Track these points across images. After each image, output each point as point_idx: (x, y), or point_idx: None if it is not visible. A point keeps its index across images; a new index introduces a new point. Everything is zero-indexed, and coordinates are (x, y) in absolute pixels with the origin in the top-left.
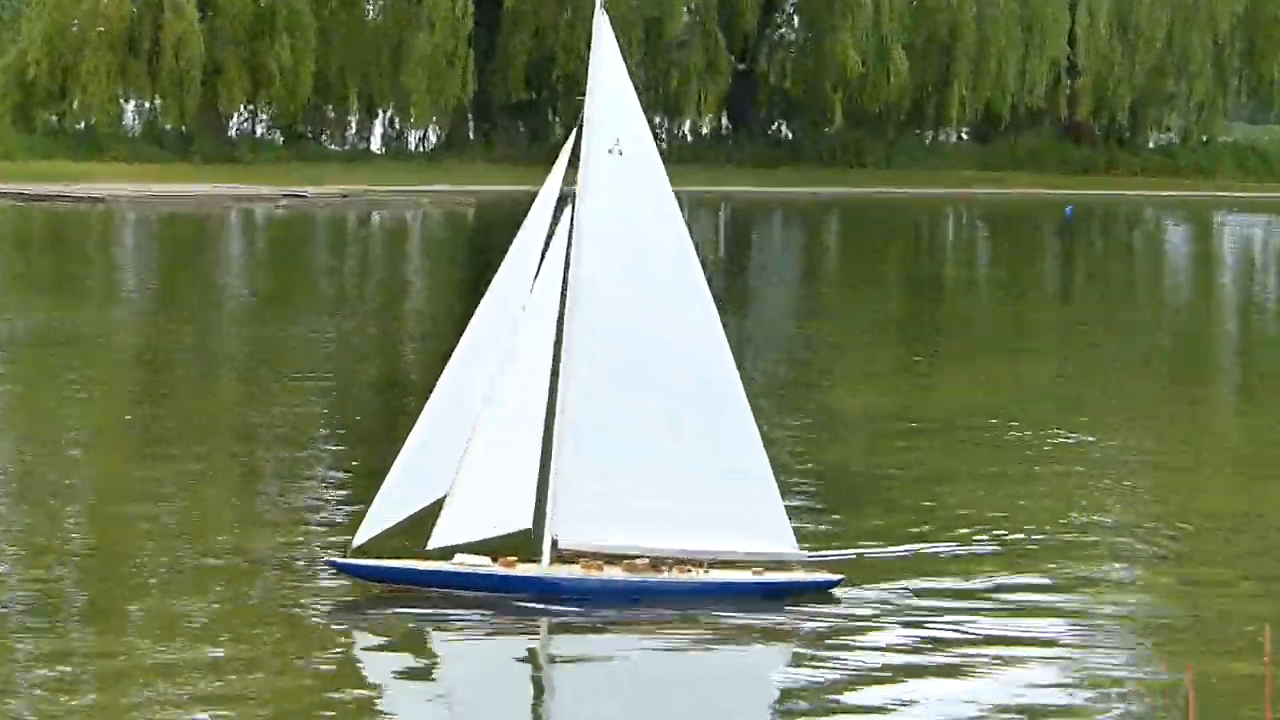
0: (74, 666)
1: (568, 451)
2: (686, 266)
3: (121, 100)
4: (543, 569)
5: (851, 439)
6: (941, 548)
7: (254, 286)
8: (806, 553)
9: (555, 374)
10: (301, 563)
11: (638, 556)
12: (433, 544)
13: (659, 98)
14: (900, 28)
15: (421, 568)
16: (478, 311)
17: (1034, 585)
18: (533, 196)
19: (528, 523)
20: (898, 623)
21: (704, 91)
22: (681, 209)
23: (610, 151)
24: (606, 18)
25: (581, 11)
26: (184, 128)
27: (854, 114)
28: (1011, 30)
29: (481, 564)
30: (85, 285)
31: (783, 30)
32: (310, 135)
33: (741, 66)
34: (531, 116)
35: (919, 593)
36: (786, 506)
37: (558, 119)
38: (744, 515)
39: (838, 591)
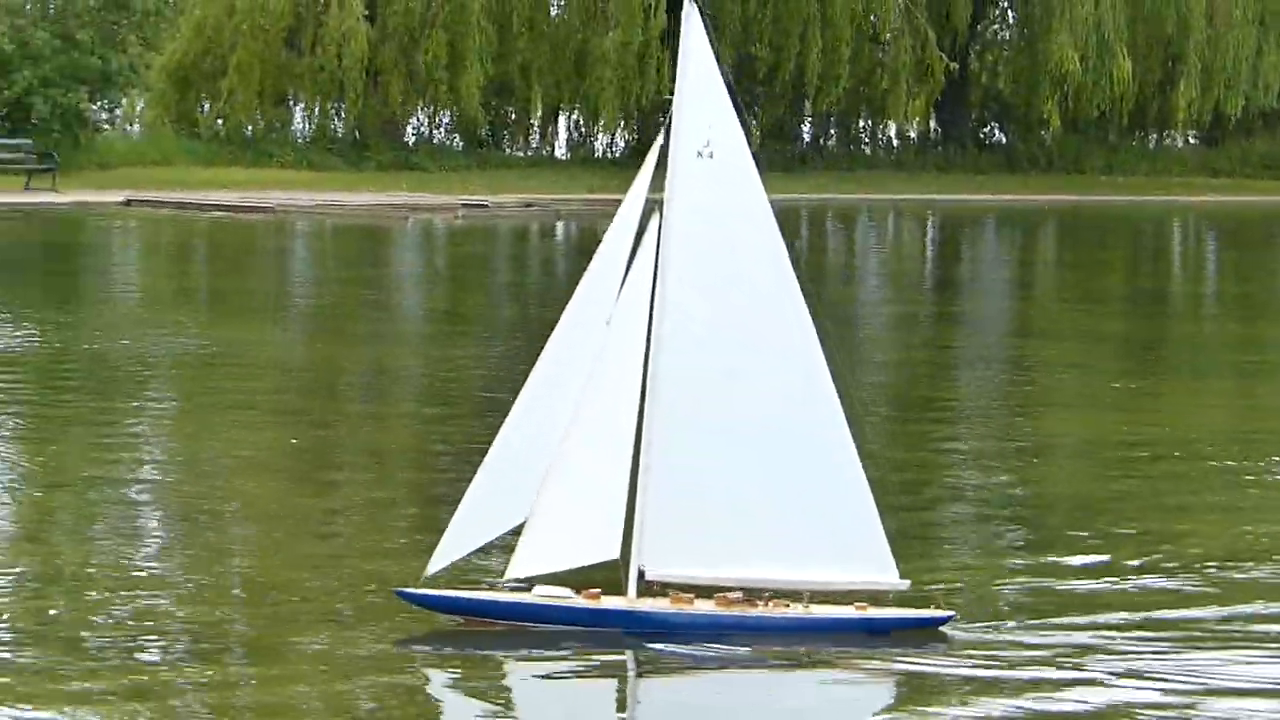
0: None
1: (654, 477)
2: (781, 276)
3: (290, 104)
4: (629, 602)
5: (1066, 465)
6: (1155, 581)
7: (431, 301)
8: (908, 582)
9: (644, 392)
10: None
11: (731, 589)
12: (511, 574)
13: (864, 99)
14: (1122, 24)
15: (498, 599)
16: (559, 325)
17: (1255, 633)
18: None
19: (614, 553)
20: (1020, 664)
21: (913, 93)
22: (887, 218)
23: (700, 154)
24: (697, 11)
25: (780, 7)
26: (357, 133)
27: (1072, 117)
28: (1244, 25)
29: (563, 596)
30: (251, 300)
31: (996, 28)
32: (490, 141)
33: (954, 66)
34: None
35: (1086, 628)
36: (993, 536)
37: (755, 122)
38: (841, 543)
39: (949, 629)
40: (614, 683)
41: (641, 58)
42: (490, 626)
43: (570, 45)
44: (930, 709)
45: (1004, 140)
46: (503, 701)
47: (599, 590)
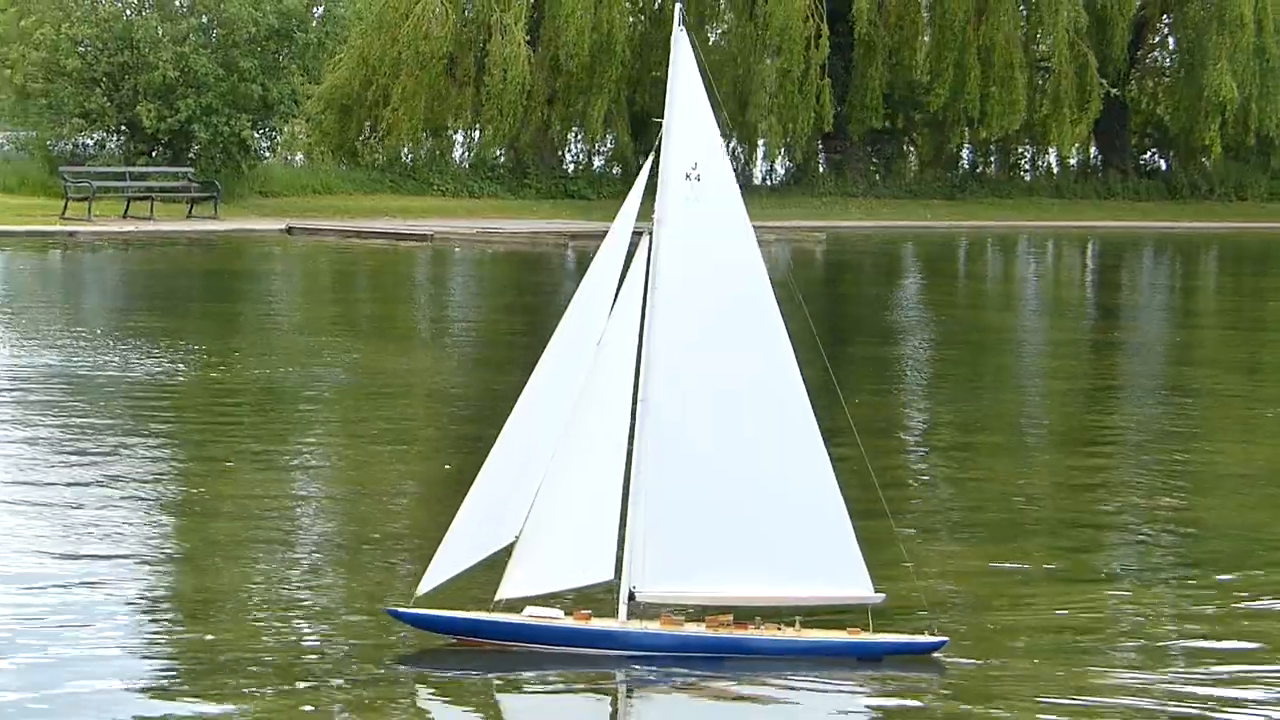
0: None
1: (644, 498)
2: (763, 301)
3: (449, 132)
4: (619, 623)
5: (1225, 494)
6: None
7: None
8: (883, 596)
9: (634, 413)
10: None
11: (721, 610)
12: (502, 594)
13: (1024, 126)
14: None
15: (490, 619)
16: (550, 345)
17: None
18: (883, 232)
19: (608, 574)
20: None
21: (1074, 120)
22: (1046, 245)
23: (688, 177)
24: (686, 35)
25: (940, 34)
26: (515, 161)
27: (1233, 143)
28: None
29: (554, 616)
30: (410, 328)
31: (1156, 54)
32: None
33: (1115, 92)
34: (887, 148)
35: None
36: (1140, 561)
37: (913, 149)
38: (822, 560)
39: (941, 655)
40: (604, 704)
41: (801, 85)
42: (481, 646)
43: (728, 73)
44: None
45: (1164, 167)
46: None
47: (589, 611)
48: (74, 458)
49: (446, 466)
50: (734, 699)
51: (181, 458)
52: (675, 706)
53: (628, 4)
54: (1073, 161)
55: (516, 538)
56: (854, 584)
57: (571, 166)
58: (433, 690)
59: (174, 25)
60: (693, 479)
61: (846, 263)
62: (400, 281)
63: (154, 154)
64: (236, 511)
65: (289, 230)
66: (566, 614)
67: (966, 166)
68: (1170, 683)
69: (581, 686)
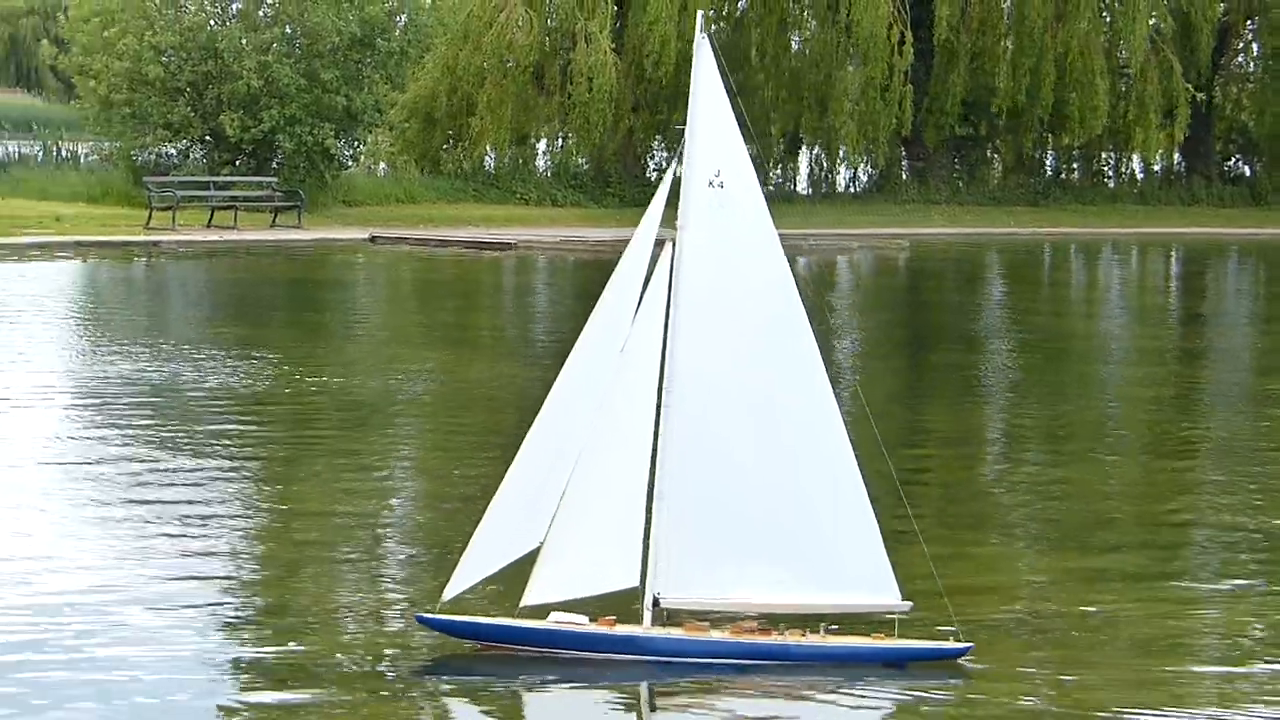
0: None
1: (668, 504)
2: (789, 304)
3: (533, 141)
4: (643, 629)
5: None
6: None
7: None
8: (910, 604)
9: (657, 418)
10: None
11: (746, 617)
12: (527, 600)
13: (1108, 132)
14: None
15: (515, 625)
16: (574, 352)
17: None
18: (966, 239)
19: (632, 580)
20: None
21: (1159, 126)
22: (1130, 251)
23: (711, 184)
24: (707, 41)
25: (1021, 40)
26: (598, 169)
27: None
28: None
29: (578, 622)
30: (492, 336)
31: (1240, 60)
32: None
33: (1201, 98)
34: (970, 154)
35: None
36: (1222, 570)
37: (996, 155)
38: (848, 567)
39: (965, 662)
40: (629, 710)
41: (884, 91)
42: (506, 652)
43: (811, 80)
44: None
45: (1248, 173)
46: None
47: (614, 617)
48: (155, 466)
49: None
50: (758, 705)
51: (263, 466)
52: (699, 712)
53: (712, 11)
54: (1156, 168)
55: (541, 544)
56: (882, 592)
57: (654, 174)
58: (458, 696)
59: (257, 35)
60: (717, 486)
61: (929, 270)
62: (483, 290)
63: (238, 164)
64: (314, 520)
65: (372, 239)
66: (591, 620)
67: (1050, 173)
68: (1250, 693)
69: (606, 692)
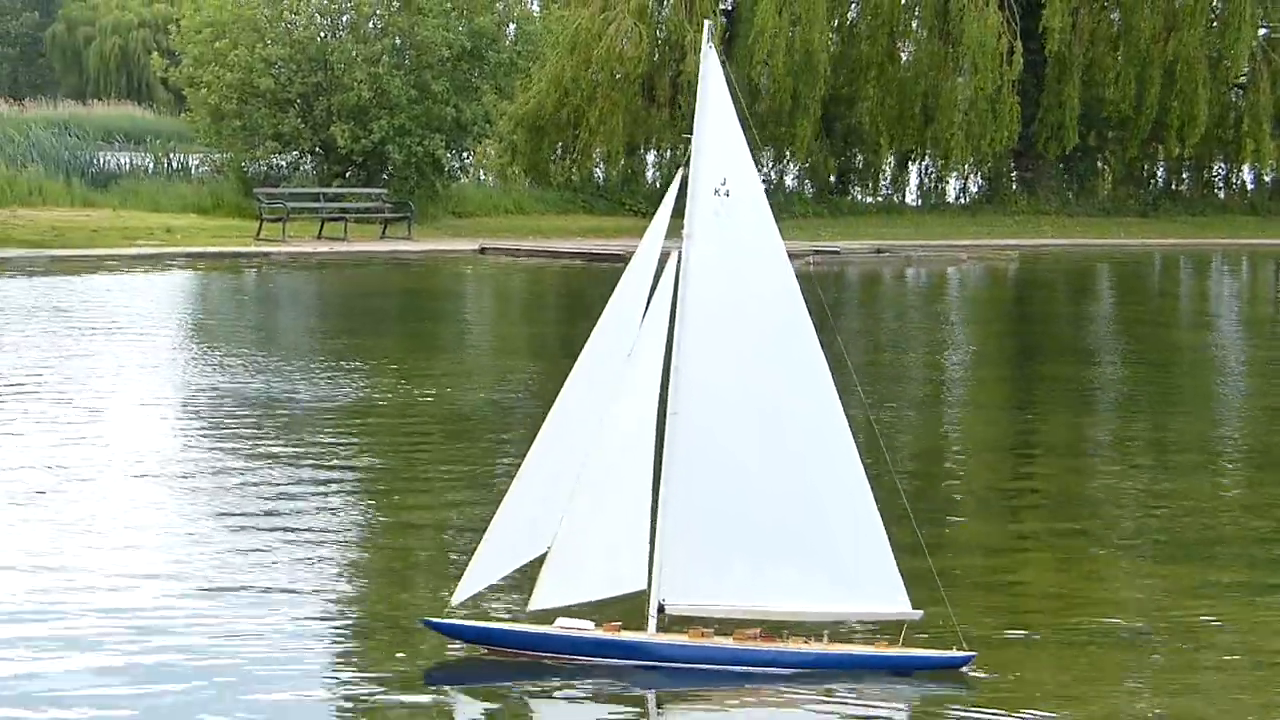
0: None
1: (673, 510)
2: (794, 311)
3: (642, 152)
4: (648, 635)
5: None
6: None
7: None
8: (921, 613)
9: (663, 424)
10: None
11: (750, 623)
12: (534, 605)
13: (1218, 142)
14: None
15: (522, 630)
16: (581, 357)
17: None
18: (1075, 250)
19: (639, 585)
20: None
21: (1270, 136)
22: (1240, 262)
23: (716, 192)
24: (714, 52)
25: (1130, 49)
26: None
27: None
28: None
29: (584, 628)
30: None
31: None
32: (840, 188)
33: None
34: (1080, 165)
35: None
36: None
37: (1106, 166)
38: (856, 575)
39: (969, 670)
40: (634, 716)
41: (994, 103)
42: (513, 656)
43: (920, 91)
44: None
45: None
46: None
47: (620, 623)
48: (263, 477)
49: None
50: (761, 712)
51: (371, 476)
52: (704, 719)
53: (826, 21)
54: (1268, 178)
55: (548, 549)
56: (892, 601)
57: (766, 185)
58: (464, 700)
59: (367, 47)
60: (724, 493)
61: (1039, 280)
62: (593, 302)
63: (348, 175)
64: (420, 531)
65: (482, 250)
66: (596, 625)
67: (1160, 184)
68: None
69: (611, 698)
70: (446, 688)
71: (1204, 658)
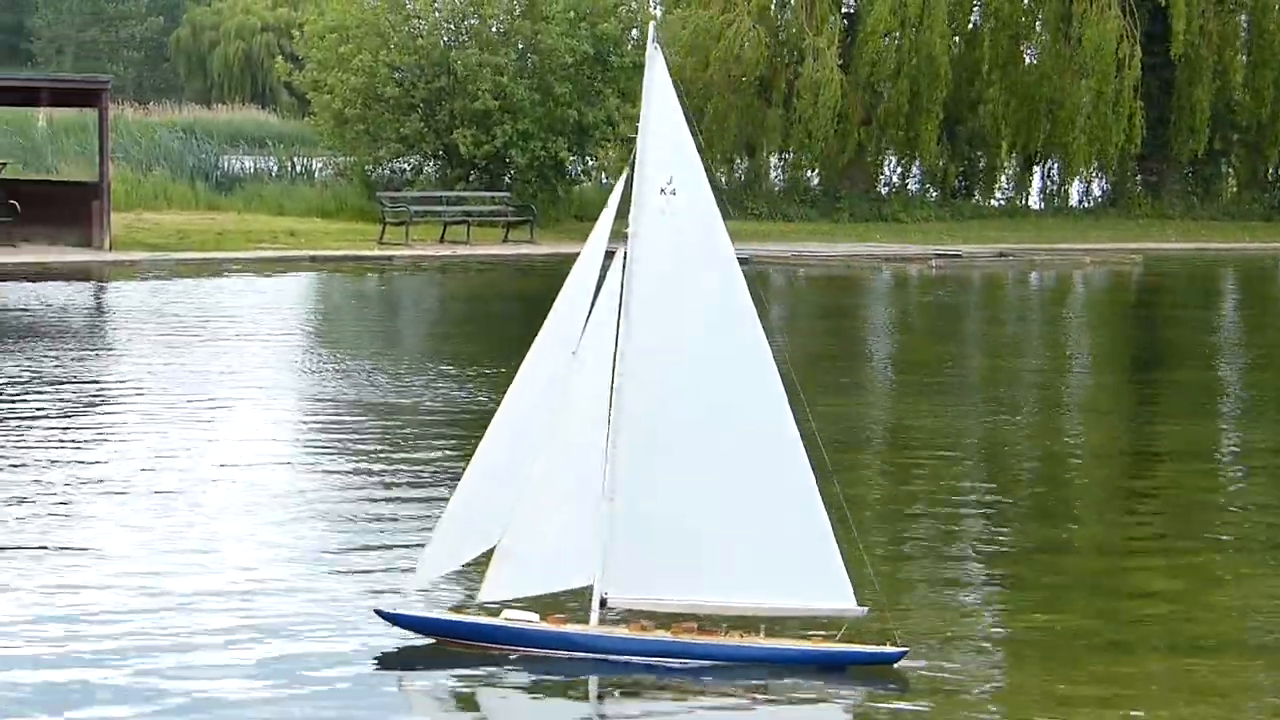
0: None
1: (617, 506)
2: (739, 309)
3: (763, 153)
4: (590, 628)
5: None
6: None
7: (902, 351)
8: (866, 609)
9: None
10: None
11: (689, 618)
12: (483, 597)
13: None
14: None
15: (467, 621)
16: (529, 354)
17: None
18: (1199, 254)
19: (584, 579)
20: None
21: None
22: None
23: (663, 191)
24: (660, 53)
25: (1258, 55)
26: (826, 184)
27: None
28: None
29: (529, 620)
30: None
31: None
32: (963, 191)
33: None
34: (1206, 169)
35: None
36: None
37: (1232, 173)
38: (799, 571)
39: (902, 666)
40: (576, 705)
41: (1114, 106)
42: (461, 647)
43: (1042, 94)
44: None
45: None
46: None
47: (564, 616)
48: (380, 478)
49: None
50: (698, 705)
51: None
52: (643, 710)
53: (946, 24)
54: None
55: (497, 542)
56: (836, 597)
57: (885, 189)
58: (413, 689)
59: (491, 54)
60: (666, 488)
61: (1163, 285)
62: None
63: (471, 179)
64: None
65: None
66: (541, 618)
67: None
68: None
69: (551, 688)
70: (393, 679)
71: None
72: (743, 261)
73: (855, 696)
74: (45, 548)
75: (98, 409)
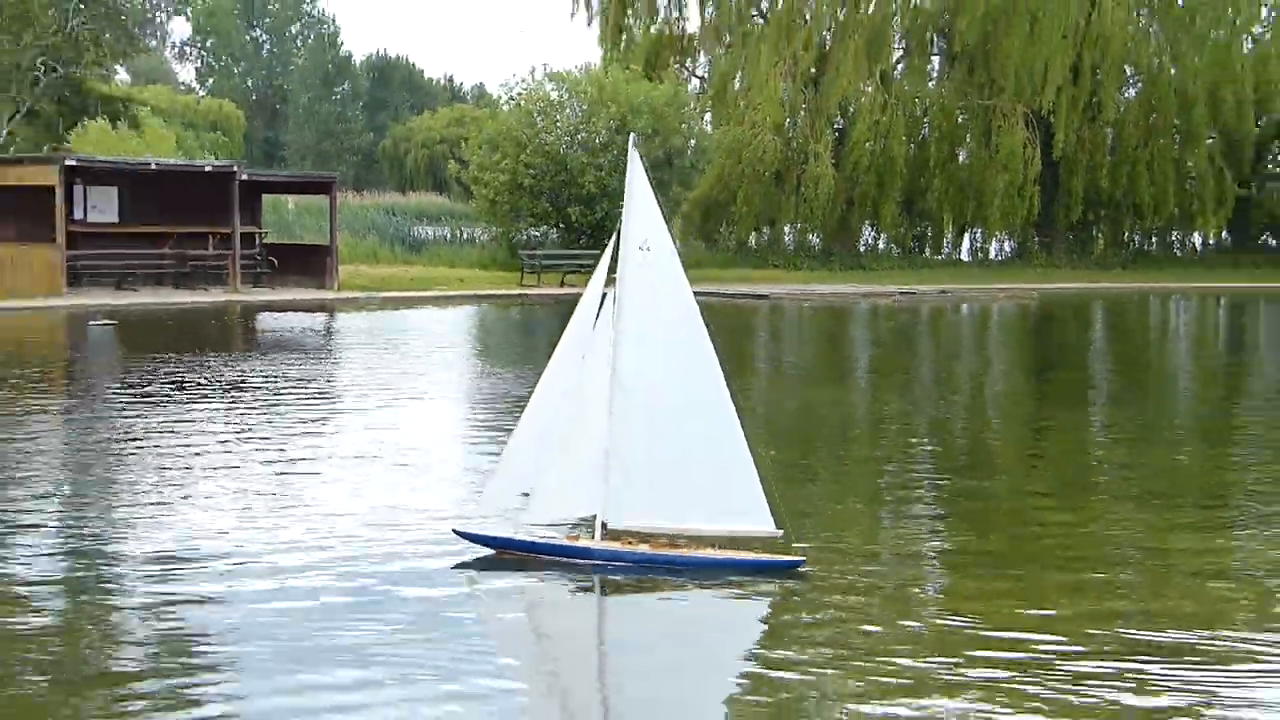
0: None
1: (613, 459)
2: (694, 330)
3: (778, 224)
4: (594, 543)
5: None
6: None
7: (874, 360)
8: (781, 531)
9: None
10: None
11: (662, 537)
12: (526, 520)
13: (1174, 217)
14: None
15: (514, 537)
16: (554, 355)
17: None
18: (1079, 292)
19: (594, 509)
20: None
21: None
22: (1192, 299)
23: (640, 248)
24: (637, 152)
25: (1121, 155)
26: (823, 245)
27: None
28: None
29: (556, 536)
30: (756, 358)
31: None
32: (916, 249)
33: (1241, 193)
34: (1081, 233)
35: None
36: None
37: (1100, 235)
38: (734, 503)
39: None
40: (588, 593)
41: (1019, 190)
42: (510, 555)
43: (971, 183)
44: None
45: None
46: (515, 600)
47: (578, 533)
48: None
49: (772, 453)
50: (660, 592)
51: None
52: (631, 598)
53: (904, 136)
54: (1212, 242)
55: (536, 483)
56: (761, 522)
57: (864, 248)
58: (474, 581)
59: (594, 157)
60: (648, 448)
61: (1053, 313)
62: (748, 328)
63: (581, 241)
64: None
65: None
66: (565, 537)
67: (1136, 245)
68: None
69: (572, 581)
70: (459, 575)
71: None
72: (764, 297)
73: (775, 591)
74: (284, 499)
75: (327, 399)
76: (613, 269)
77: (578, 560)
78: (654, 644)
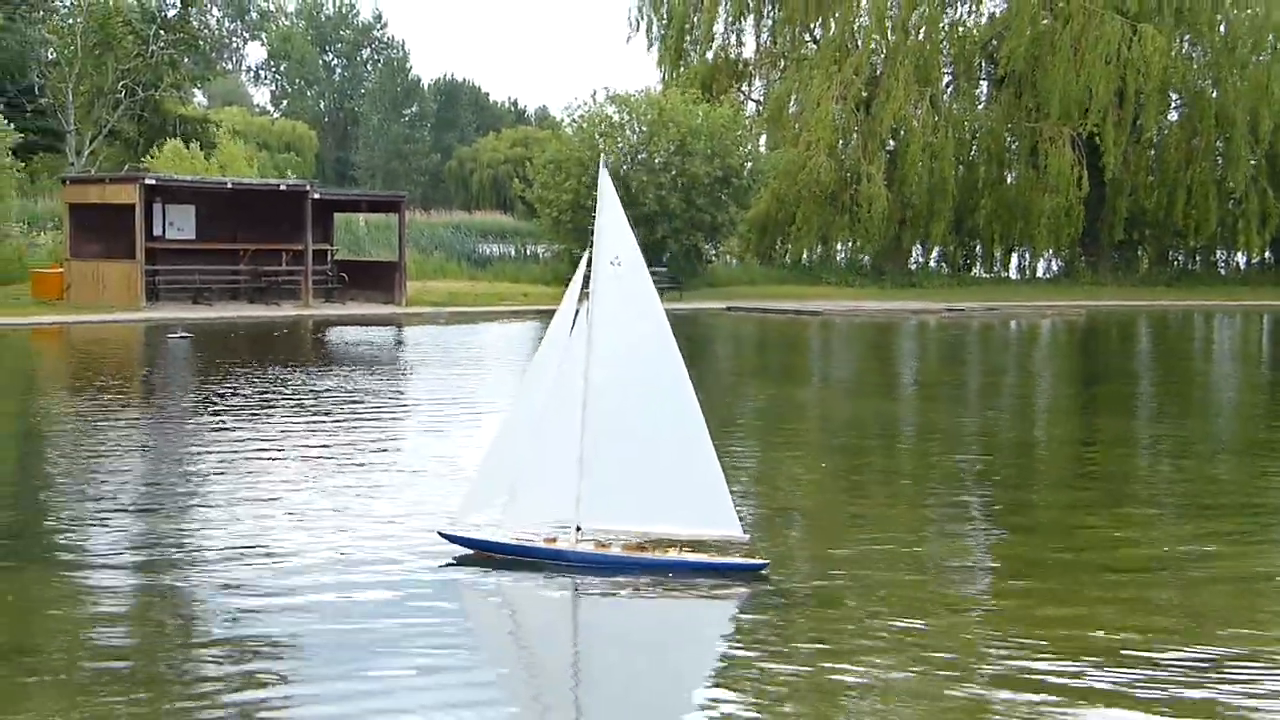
0: None
1: (586, 468)
2: (663, 341)
3: (832, 242)
4: (568, 546)
5: None
6: None
7: (921, 373)
8: (748, 536)
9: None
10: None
11: (630, 541)
12: (503, 524)
13: (1217, 236)
14: None
15: (493, 539)
16: (530, 365)
17: None
18: (1125, 309)
19: (567, 514)
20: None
21: (1257, 230)
22: (1236, 316)
23: (611, 263)
24: (605, 171)
25: (1162, 177)
26: (875, 262)
27: None
28: None
29: (532, 539)
30: (807, 371)
31: None
32: (965, 267)
33: None
34: (1126, 252)
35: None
36: None
37: (1144, 254)
38: (704, 509)
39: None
40: (562, 592)
41: (1066, 212)
42: (490, 557)
43: (1019, 204)
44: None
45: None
46: (493, 598)
47: (554, 537)
48: None
49: (823, 465)
50: (633, 593)
51: None
52: (602, 601)
53: (954, 158)
54: (1255, 260)
55: (514, 489)
56: (729, 528)
57: (915, 265)
58: (458, 583)
59: (654, 178)
60: (620, 456)
61: (1099, 328)
62: (800, 342)
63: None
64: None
65: (728, 309)
66: (542, 540)
67: (1180, 265)
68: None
69: (548, 583)
70: (443, 576)
71: None
72: (816, 314)
73: (731, 591)
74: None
75: (397, 408)
76: (586, 284)
77: (553, 562)
78: (626, 641)
